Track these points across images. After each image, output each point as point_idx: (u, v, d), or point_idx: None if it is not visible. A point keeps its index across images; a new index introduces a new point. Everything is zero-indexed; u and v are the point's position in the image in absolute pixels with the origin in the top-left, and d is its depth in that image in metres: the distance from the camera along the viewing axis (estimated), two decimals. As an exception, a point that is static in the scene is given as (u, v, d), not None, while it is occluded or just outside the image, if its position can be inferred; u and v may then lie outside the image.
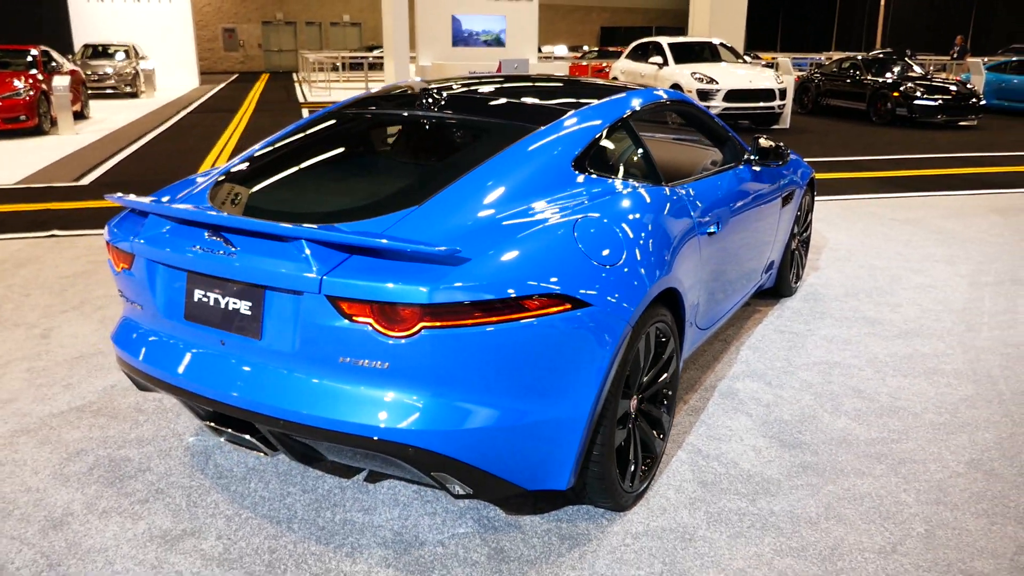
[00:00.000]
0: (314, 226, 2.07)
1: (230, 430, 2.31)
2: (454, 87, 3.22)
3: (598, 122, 2.79)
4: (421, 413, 2.04)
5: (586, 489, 2.41)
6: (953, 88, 14.97)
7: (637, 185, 2.75)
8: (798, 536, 2.46)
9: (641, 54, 15.26)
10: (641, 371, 2.49)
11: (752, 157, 3.75)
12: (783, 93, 13.63)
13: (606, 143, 2.80)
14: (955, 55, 23.60)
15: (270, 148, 2.96)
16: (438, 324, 1.98)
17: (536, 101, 2.96)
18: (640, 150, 3.00)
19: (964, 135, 13.60)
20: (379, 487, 2.69)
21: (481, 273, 2.01)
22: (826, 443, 3.03)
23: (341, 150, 3.06)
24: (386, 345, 2.00)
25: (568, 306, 2.12)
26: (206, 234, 2.21)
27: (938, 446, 3.03)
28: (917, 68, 16.49)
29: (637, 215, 2.56)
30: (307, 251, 2.02)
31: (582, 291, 2.16)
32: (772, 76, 13.69)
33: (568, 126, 2.70)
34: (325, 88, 22.70)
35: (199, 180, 2.78)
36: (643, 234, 2.50)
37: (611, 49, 29.21)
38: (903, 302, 4.75)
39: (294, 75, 32.36)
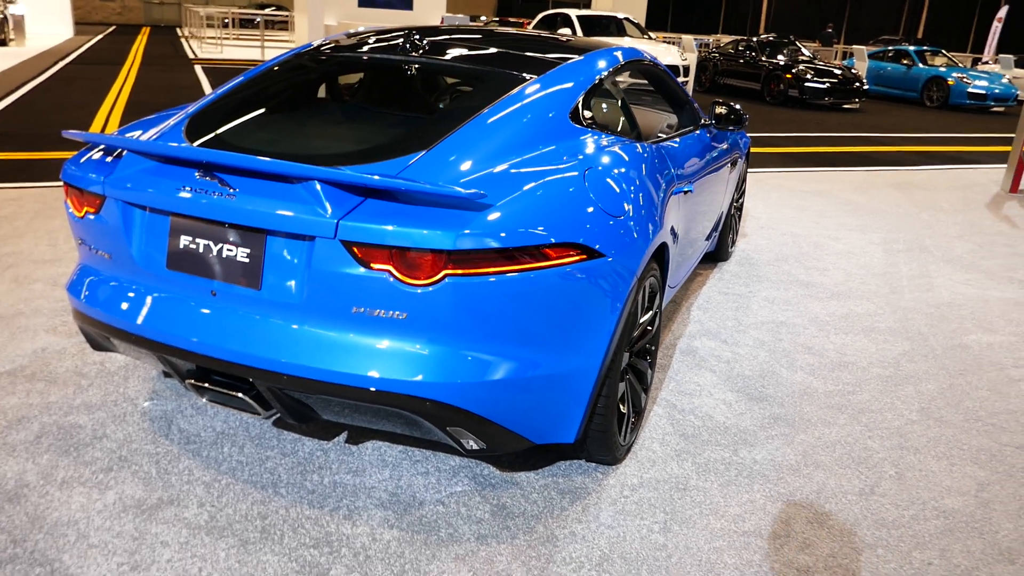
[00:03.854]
0: (326, 167, 1.94)
1: (218, 388, 2.15)
2: (435, 35, 3.09)
3: (590, 75, 2.74)
4: (440, 365, 1.96)
5: (586, 443, 2.40)
6: (839, 72, 15.79)
7: (629, 140, 2.73)
8: (784, 483, 2.54)
9: (548, 25, 15.27)
10: (635, 325, 2.49)
11: (710, 121, 3.81)
12: (687, 70, 14.00)
13: (598, 96, 2.76)
14: (821, 42, 24.82)
15: (247, 87, 2.75)
16: (461, 272, 1.90)
17: (522, 52, 2.89)
18: (624, 106, 2.98)
19: (850, 117, 14.40)
20: (363, 448, 2.59)
21: (505, 220, 1.94)
22: (789, 396, 3.15)
23: (330, 93, 2.89)
24: (405, 294, 1.90)
25: (584, 256, 2.09)
26: (197, 174, 2.03)
27: (889, 396, 3.20)
28: (806, 52, 17.30)
29: (636, 169, 2.54)
30: (321, 193, 1.89)
31: (598, 242, 2.12)
32: (677, 53, 14.02)
33: (562, 77, 2.64)
34: (217, 45, 21.51)
35: (170, 119, 2.55)
36: (644, 188, 2.49)
37: (510, 19, 29.08)
38: (829, 267, 4.98)
39: (178, 30, 30.48)
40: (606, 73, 2.86)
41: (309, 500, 2.31)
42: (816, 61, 16.59)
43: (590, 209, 2.16)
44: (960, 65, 18.47)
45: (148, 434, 2.59)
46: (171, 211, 2.06)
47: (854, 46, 20.39)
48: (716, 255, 4.79)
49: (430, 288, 1.90)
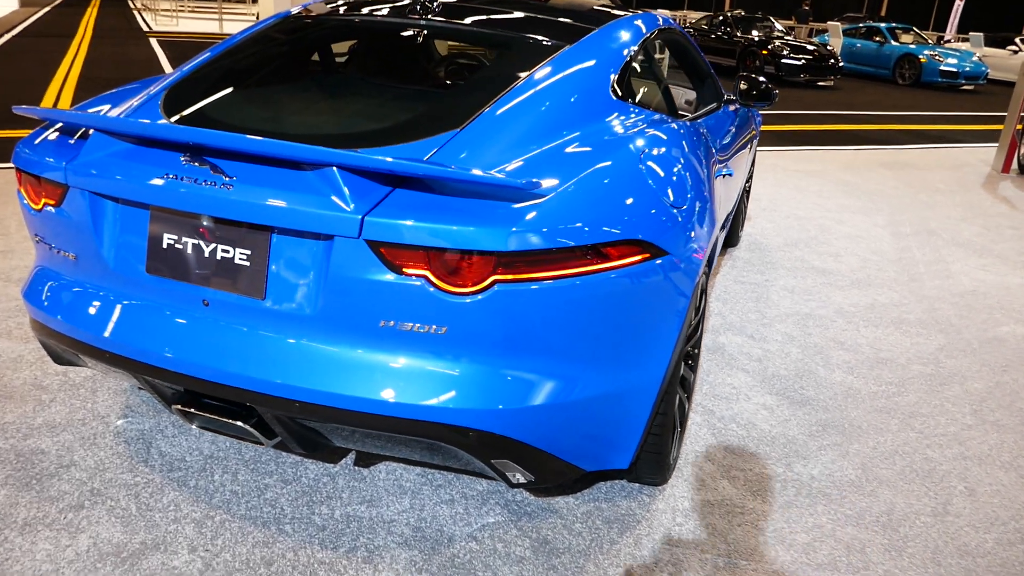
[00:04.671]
0: (344, 150, 1.59)
1: (212, 414, 1.80)
2: None
3: (627, 42, 2.41)
4: (486, 389, 1.64)
5: (637, 464, 2.10)
6: (813, 49, 15.62)
7: (671, 119, 2.42)
8: (848, 503, 2.28)
9: None
10: (694, 331, 2.20)
11: (734, 97, 3.51)
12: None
13: (635, 68, 2.44)
14: (797, 19, 24.73)
15: (233, 54, 2.36)
16: (512, 277, 1.57)
17: (549, 17, 2.54)
18: (659, 79, 2.66)
19: (826, 94, 14.24)
20: (376, 472, 2.26)
21: (561, 214, 1.62)
22: (832, 399, 2.89)
23: (335, 62, 2.51)
24: (445, 304, 1.58)
25: (648, 255, 1.77)
26: (183, 158, 1.67)
27: (937, 398, 2.96)
28: (779, 28, 17.10)
29: (690, 152, 2.23)
30: (340, 181, 1.54)
31: (662, 237, 1.81)
32: (653, 27, 13.68)
33: (598, 45, 2.31)
34: (172, 17, 20.60)
35: (141, 92, 2.16)
36: (699, 174, 2.18)
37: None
38: (841, 252, 4.74)
39: (130, 2, 29.27)
40: (642, 40, 2.53)
41: (320, 539, 1.98)
42: (789, 37, 16.41)
43: (651, 199, 1.84)
44: (930, 42, 18.46)
45: (124, 460, 2.23)
46: (151, 203, 1.70)
47: (828, 23, 20.27)
48: (727, 240, 4.52)
49: (476, 297, 1.57)
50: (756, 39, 16.08)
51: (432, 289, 1.57)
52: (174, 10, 21.55)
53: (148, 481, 2.15)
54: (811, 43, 16.11)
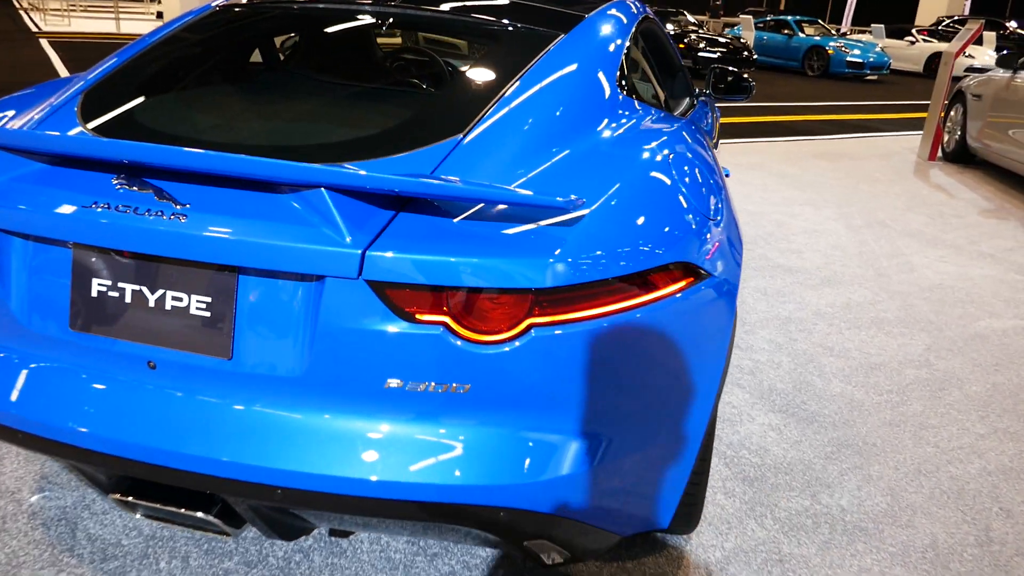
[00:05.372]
0: (333, 165, 1.24)
1: (162, 505, 1.42)
2: None
3: (620, 32, 2.12)
4: (523, 457, 1.33)
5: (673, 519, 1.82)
6: (727, 42, 15.82)
7: (676, 117, 2.15)
8: (888, 537, 2.06)
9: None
10: None
11: (707, 92, 3.28)
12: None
13: (632, 60, 2.16)
14: (710, 14, 25.22)
15: (165, 48, 1.95)
16: (550, 319, 1.26)
17: (532, 2, 2.22)
18: (651, 71, 2.39)
19: (746, 86, 14.37)
20: (356, 543, 1.91)
21: (603, 237, 1.32)
22: (837, 413, 2.69)
23: (292, 58, 2.12)
24: (470, 356, 1.25)
25: (691, 279, 1.49)
26: (116, 181, 1.28)
27: (941, 405, 2.81)
28: (692, 21, 17.28)
29: (706, 154, 1.96)
30: (332, 206, 1.20)
31: (703, 257, 1.53)
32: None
33: (594, 35, 2.01)
34: (63, 16, 19.25)
35: (49, 97, 1.74)
36: (719, 178, 1.91)
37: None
38: (803, 248, 4.61)
39: (15, 2, 27.32)
40: (635, 27, 2.25)
41: (302, 640, 1.62)
42: (703, 31, 16.59)
43: (690, 213, 1.56)
44: (835, 34, 19.02)
45: (43, 548, 1.81)
46: (75, 241, 1.31)
47: (740, 16, 20.63)
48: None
49: (507, 346, 1.25)
50: (672, 32, 16.16)
51: (453, 339, 1.24)
52: (64, 9, 20.14)
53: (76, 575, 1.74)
54: (724, 36, 16.32)
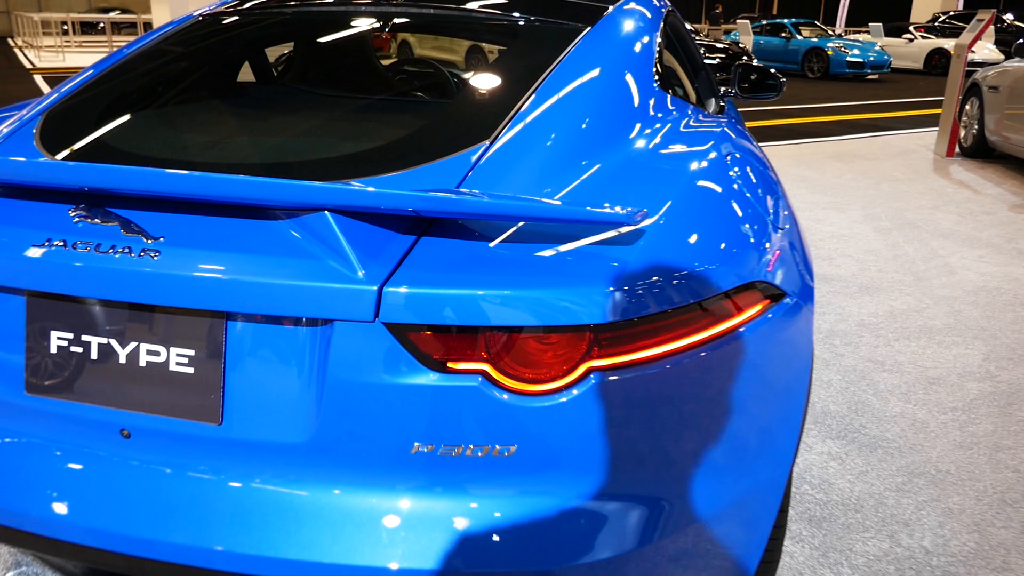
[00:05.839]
0: (337, 183, 1.00)
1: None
2: None
3: (650, 24, 1.89)
4: (584, 530, 1.08)
5: None
6: (723, 47, 15.63)
7: (718, 116, 1.92)
8: (985, 582, 1.81)
9: None
10: None
11: (733, 91, 3.05)
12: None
13: (664, 53, 1.92)
14: (710, 22, 25.11)
15: (136, 64, 1.73)
16: (611, 362, 1.02)
17: None
18: (681, 66, 2.17)
19: (748, 91, 14.19)
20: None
21: (668, 259, 1.08)
22: (901, 436, 2.44)
23: (292, 69, 1.91)
24: (515, 411, 1.02)
25: (768, 301, 1.25)
26: (75, 212, 1.05)
27: (1012, 422, 2.55)
28: (689, 29, 17.12)
29: (756, 156, 1.73)
30: (340, 234, 0.97)
31: (777, 275, 1.29)
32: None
33: (624, 27, 1.78)
34: (58, 53, 19.16)
35: (4, 121, 1.50)
36: (777, 184, 1.68)
37: None
38: (834, 255, 4.37)
39: (10, 40, 27.34)
40: (663, 20, 2.03)
41: None
42: (700, 37, 16.43)
43: (756, 225, 1.32)
44: (832, 35, 18.85)
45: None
46: (27, 287, 1.07)
47: (737, 21, 20.49)
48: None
49: (564, 396, 1.01)
50: (671, 41, 16.00)
51: (494, 391, 1.00)
52: (59, 46, 20.06)
53: None
54: (722, 41, 16.15)
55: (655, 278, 1.04)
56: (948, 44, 19.92)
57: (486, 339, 0.99)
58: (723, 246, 1.18)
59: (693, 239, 1.15)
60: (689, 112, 1.70)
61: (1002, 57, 16.38)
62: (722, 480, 1.22)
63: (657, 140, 1.44)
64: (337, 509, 1.06)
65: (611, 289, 1.00)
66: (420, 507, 1.06)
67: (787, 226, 1.44)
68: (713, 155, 1.44)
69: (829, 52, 17.24)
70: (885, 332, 3.27)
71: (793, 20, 19.04)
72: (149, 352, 1.07)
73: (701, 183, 1.31)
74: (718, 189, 1.32)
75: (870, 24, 21.19)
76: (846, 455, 2.33)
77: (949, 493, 2.16)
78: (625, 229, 1.08)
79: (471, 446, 1.03)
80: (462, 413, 1.01)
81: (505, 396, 1.00)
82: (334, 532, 1.05)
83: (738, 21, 19.80)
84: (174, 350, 1.06)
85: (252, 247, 1.00)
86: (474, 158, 1.21)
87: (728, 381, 1.16)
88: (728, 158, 1.47)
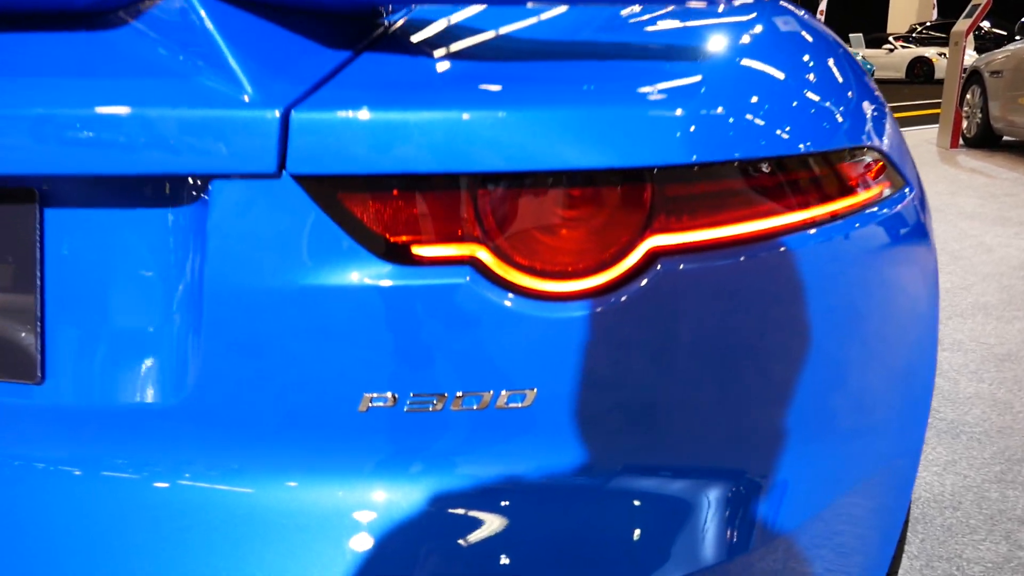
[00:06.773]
0: None
1: None
2: None
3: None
4: (663, 539, 0.65)
5: None
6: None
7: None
8: None
9: None
10: None
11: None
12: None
13: None
14: None
15: None
16: (688, 239, 0.61)
17: None
18: None
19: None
20: None
21: (761, 88, 0.67)
22: (983, 419, 2.03)
23: None
24: (533, 327, 0.59)
25: (888, 183, 0.84)
26: None
27: (1112, 397, 2.14)
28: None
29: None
30: (214, 33, 0.55)
31: (894, 153, 0.89)
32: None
33: None
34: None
35: None
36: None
37: None
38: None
39: None
40: None
41: None
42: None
43: (863, 87, 0.91)
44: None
45: None
46: None
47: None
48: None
49: (614, 300, 0.59)
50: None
51: (493, 293, 0.58)
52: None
53: None
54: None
55: (745, 108, 0.64)
56: (929, 52, 19.92)
57: (475, 201, 0.58)
58: (828, 94, 0.78)
59: (789, 76, 0.74)
60: None
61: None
62: (855, 433, 0.79)
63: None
64: (237, 515, 0.63)
65: (682, 114, 0.59)
66: (377, 502, 0.63)
67: (887, 106, 1.04)
68: (801, 16, 1.05)
69: (812, 64, 17.14)
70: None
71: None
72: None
73: (795, 33, 0.90)
74: (816, 42, 0.92)
75: (851, 35, 21.19)
76: (927, 445, 1.91)
77: (1064, 482, 1.74)
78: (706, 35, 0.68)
79: (458, 394, 0.60)
80: (440, 337, 0.59)
81: (511, 302, 0.59)
82: (233, 552, 0.62)
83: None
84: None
85: (67, 67, 0.59)
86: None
87: (851, 291, 0.75)
88: (815, 24, 1.07)
